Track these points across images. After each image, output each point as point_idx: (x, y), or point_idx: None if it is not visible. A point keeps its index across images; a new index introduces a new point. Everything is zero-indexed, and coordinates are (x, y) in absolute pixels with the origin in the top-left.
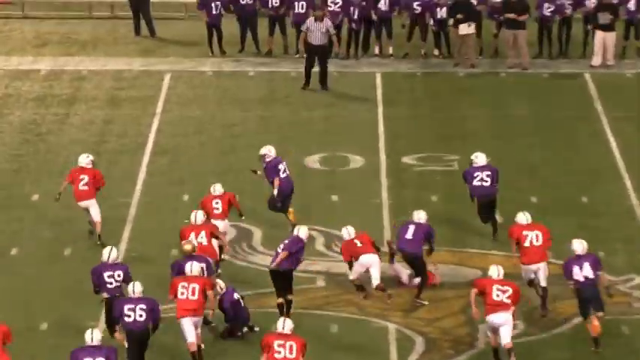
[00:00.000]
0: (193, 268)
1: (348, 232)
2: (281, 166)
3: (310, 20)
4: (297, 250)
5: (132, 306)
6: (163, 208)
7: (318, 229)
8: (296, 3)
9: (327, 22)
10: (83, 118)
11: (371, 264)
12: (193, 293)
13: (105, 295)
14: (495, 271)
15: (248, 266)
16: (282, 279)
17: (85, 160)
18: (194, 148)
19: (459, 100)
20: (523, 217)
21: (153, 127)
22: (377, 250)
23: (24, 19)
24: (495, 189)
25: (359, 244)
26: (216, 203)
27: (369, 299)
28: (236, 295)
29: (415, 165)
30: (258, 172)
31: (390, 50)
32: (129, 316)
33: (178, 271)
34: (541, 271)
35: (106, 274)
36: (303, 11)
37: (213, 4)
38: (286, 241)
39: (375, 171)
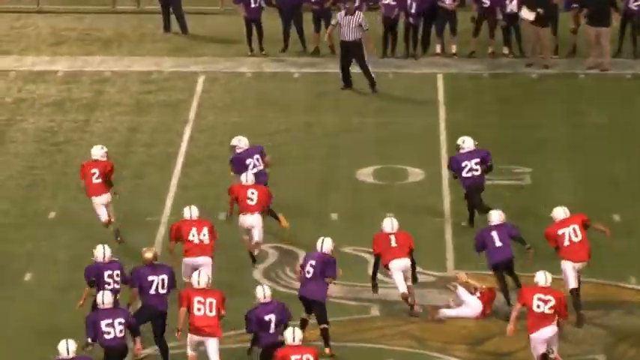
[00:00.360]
0: (201, 279)
1: (391, 223)
2: (250, 161)
3: (340, 14)
4: (329, 270)
5: (109, 321)
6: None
7: (370, 250)
8: None
9: (360, 16)
10: (106, 126)
11: (400, 270)
12: (211, 309)
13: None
14: (542, 278)
15: (292, 294)
16: (315, 307)
17: (99, 152)
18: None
19: (532, 105)
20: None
21: (185, 135)
22: (412, 256)
23: (38, 14)
24: (484, 179)
25: (394, 244)
26: (252, 193)
27: (415, 317)
28: (268, 317)
29: None
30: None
31: (454, 49)
32: (108, 333)
33: (140, 281)
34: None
35: (106, 274)
36: (357, 4)
37: None
38: (312, 262)
39: (436, 185)
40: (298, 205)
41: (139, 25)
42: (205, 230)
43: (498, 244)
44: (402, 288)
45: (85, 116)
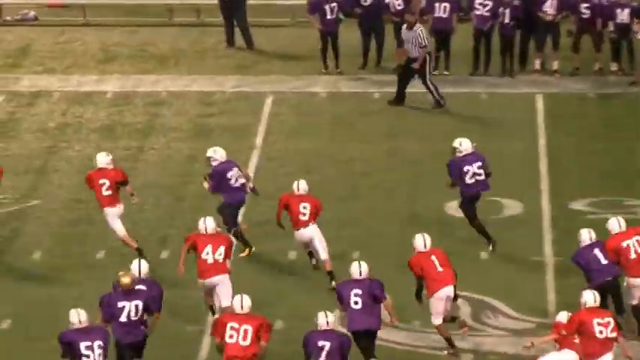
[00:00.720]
0: (244, 303)
1: (423, 240)
2: (231, 174)
3: (403, 28)
4: (380, 292)
5: (89, 343)
6: (265, 269)
7: (462, 294)
8: (437, 4)
9: (417, 31)
10: (161, 154)
11: (448, 299)
12: (245, 337)
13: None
14: (592, 298)
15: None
16: (368, 338)
17: (105, 159)
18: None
19: None
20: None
21: (251, 164)
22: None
23: (86, 27)
24: (487, 185)
25: (438, 267)
26: (304, 208)
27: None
28: (322, 344)
29: (587, 212)
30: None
31: (555, 65)
32: (87, 356)
33: (109, 309)
34: None
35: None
36: (446, 15)
37: (327, 7)
38: (357, 291)
39: (535, 220)
40: (378, 243)
41: (198, 40)
42: (222, 249)
43: (604, 261)
44: (439, 320)
45: (137, 143)
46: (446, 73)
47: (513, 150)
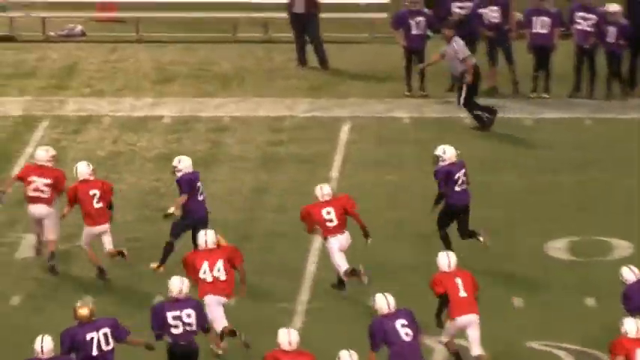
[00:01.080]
0: (292, 338)
1: (447, 259)
2: (199, 185)
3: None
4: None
5: None
6: (345, 318)
7: (565, 346)
8: (534, 18)
9: (453, 44)
10: (225, 186)
11: (470, 326)
12: None
13: (168, 340)
14: (634, 327)
15: None
16: None
17: (86, 170)
18: (386, 228)
19: None
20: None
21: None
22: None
23: (139, 44)
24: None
25: (462, 292)
26: (328, 213)
27: None
28: None
29: None
30: None
31: None
32: None
33: (71, 344)
34: None
35: (170, 315)
36: (546, 31)
37: (413, 21)
38: (403, 321)
39: None
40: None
41: (266, 58)
42: (220, 264)
43: None
44: (478, 350)
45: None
46: (545, 95)
47: (622, 184)
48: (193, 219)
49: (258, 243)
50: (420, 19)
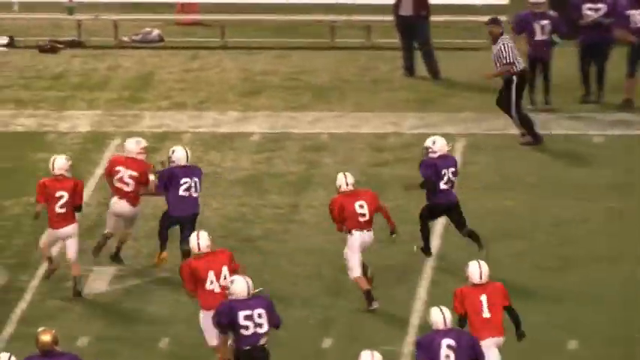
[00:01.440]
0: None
1: (479, 270)
2: (185, 180)
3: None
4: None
5: None
6: None
7: None
8: None
9: (499, 45)
10: (321, 213)
11: (489, 349)
12: None
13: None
14: None
15: None
16: None
17: (64, 165)
18: (502, 261)
19: None
20: None
21: (436, 227)
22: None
23: (224, 50)
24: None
25: (486, 313)
26: (361, 207)
27: None
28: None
29: None
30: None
31: None
32: None
33: None
34: None
35: (241, 314)
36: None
37: (537, 25)
38: (449, 342)
39: None
40: (593, 324)
41: (368, 67)
42: (225, 271)
43: None
44: None
45: (291, 199)
46: None
47: None
48: (174, 216)
49: None
50: (545, 22)
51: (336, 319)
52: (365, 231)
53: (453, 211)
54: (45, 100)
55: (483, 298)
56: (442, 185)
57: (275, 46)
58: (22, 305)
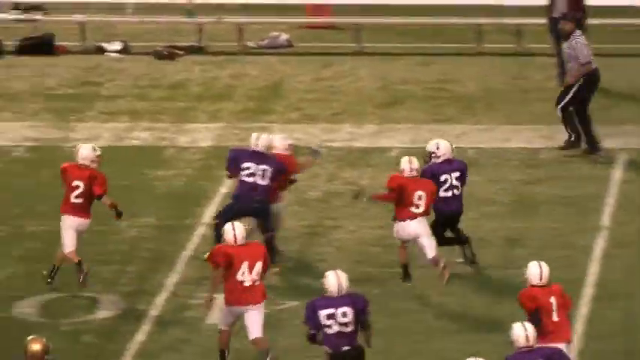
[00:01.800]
0: None
1: (540, 269)
2: (247, 165)
3: None
4: None
5: None
6: None
7: None
8: None
9: (572, 42)
10: (469, 236)
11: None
12: None
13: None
14: None
15: None
16: None
17: (90, 154)
18: None
19: None
20: None
21: (593, 253)
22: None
23: (360, 56)
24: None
25: (554, 313)
26: (420, 198)
27: None
28: None
29: None
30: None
31: None
32: None
33: None
34: None
35: (323, 313)
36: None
37: None
38: None
39: None
40: None
41: (519, 75)
42: (259, 267)
43: None
44: None
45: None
46: None
47: None
48: (234, 204)
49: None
50: None
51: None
52: (419, 218)
53: (452, 224)
54: (162, 111)
55: (552, 300)
56: (442, 192)
57: (416, 52)
58: (139, 337)
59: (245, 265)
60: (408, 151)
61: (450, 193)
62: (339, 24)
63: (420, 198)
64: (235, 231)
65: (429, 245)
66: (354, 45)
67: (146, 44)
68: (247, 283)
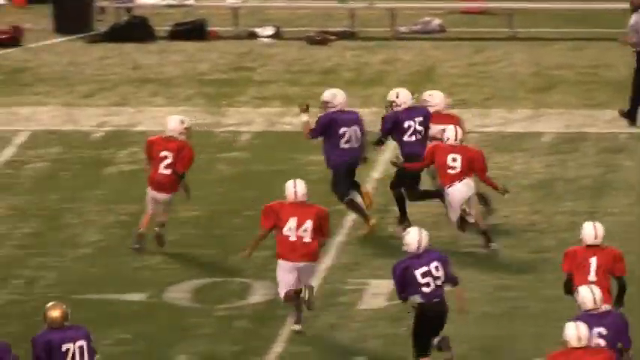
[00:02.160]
0: None
1: (594, 230)
2: (344, 130)
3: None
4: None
5: None
6: None
7: None
8: None
9: None
10: (621, 221)
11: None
12: None
13: (419, 300)
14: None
15: None
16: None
17: (178, 126)
18: None
19: None
20: None
21: None
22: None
23: (513, 42)
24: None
25: (592, 274)
26: (454, 160)
27: None
28: None
29: None
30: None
31: None
32: None
33: (43, 353)
34: None
35: (418, 272)
36: None
37: None
38: (603, 331)
39: None
40: None
41: None
42: (309, 224)
43: None
44: None
45: (587, 206)
46: None
47: None
48: (340, 168)
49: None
50: None
51: None
52: (456, 183)
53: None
54: (314, 96)
55: (593, 260)
56: (406, 137)
57: (570, 37)
58: (291, 322)
59: (293, 221)
60: (560, 136)
61: (413, 138)
62: (491, 9)
63: (454, 160)
64: (297, 187)
65: (474, 204)
66: (506, 30)
67: (298, 29)
68: (293, 238)
